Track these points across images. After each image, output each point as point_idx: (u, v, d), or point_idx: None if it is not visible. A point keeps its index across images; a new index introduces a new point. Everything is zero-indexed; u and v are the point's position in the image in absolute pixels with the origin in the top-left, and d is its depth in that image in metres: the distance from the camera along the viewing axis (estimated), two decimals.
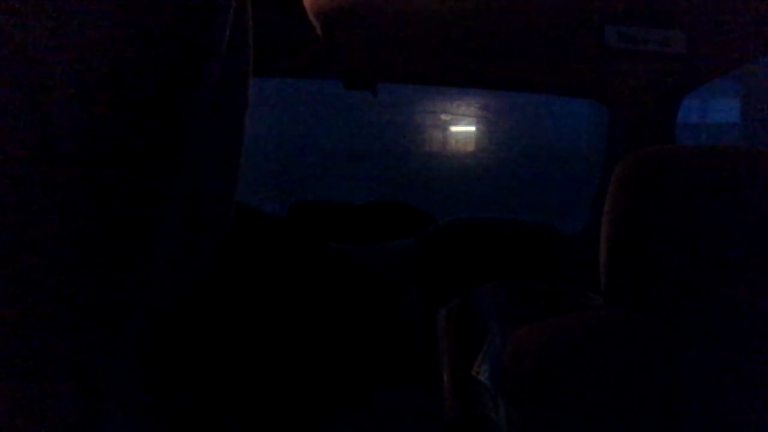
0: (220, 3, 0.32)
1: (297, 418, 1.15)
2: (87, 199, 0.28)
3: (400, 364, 1.55)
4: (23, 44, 0.26)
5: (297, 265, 1.35)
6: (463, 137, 4.64)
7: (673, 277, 0.62)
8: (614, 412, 0.61)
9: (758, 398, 0.62)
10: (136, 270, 0.31)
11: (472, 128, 4.47)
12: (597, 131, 1.82)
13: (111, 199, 0.28)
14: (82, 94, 0.27)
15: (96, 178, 0.28)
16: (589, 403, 0.61)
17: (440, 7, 1.13)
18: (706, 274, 0.62)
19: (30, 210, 0.27)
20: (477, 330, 1.06)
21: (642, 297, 0.64)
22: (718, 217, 0.62)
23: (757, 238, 0.62)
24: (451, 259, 1.64)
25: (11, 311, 0.27)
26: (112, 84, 0.28)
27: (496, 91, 2.45)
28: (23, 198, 0.27)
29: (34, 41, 0.26)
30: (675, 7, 1.12)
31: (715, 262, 0.62)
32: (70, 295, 0.28)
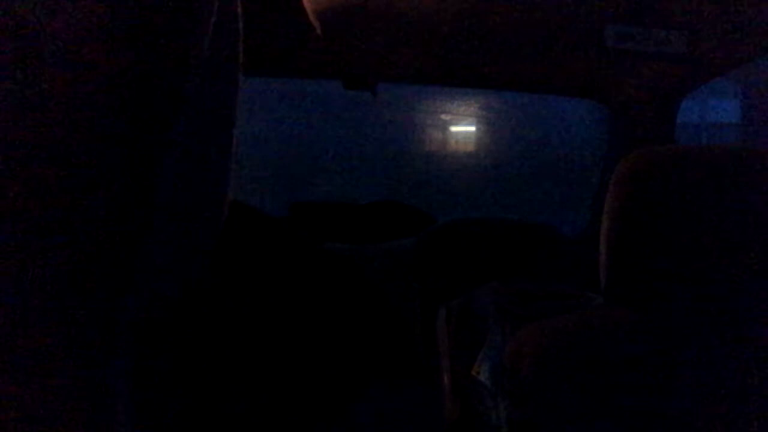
0: None
1: (295, 418, 1.15)
2: (70, 201, 0.28)
3: (400, 364, 1.55)
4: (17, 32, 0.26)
5: (297, 266, 1.35)
6: (463, 137, 4.63)
7: (673, 276, 0.62)
8: (614, 412, 0.61)
9: (758, 397, 0.62)
10: (129, 267, 0.30)
11: (472, 128, 4.47)
12: (597, 131, 1.82)
13: (95, 201, 0.28)
14: (60, 93, 0.27)
15: (79, 179, 0.28)
16: (589, 402, 0.61)
17: (440, 7, 1.13)
18: (706, 274, 0.62)
19: (12, 211, 0.27)
20: (477, 330, 1.06)
21: (642, 297, 0.64)
22: (718, 217, 0.62)
23: (757, 238, 0.62)
24: (451, 259, 1.64)
25: (5, 313, 0.27)
26: (89, 82, 0.27)
27: (496, 91, 2.45)
28: (9, 198, 0.26)
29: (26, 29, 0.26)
30: (675, 7, 1.12)
31: (715, 261, 0.62)
32: (63, 296, 0.28)
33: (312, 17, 1.13)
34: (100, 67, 0.27)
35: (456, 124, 4.49)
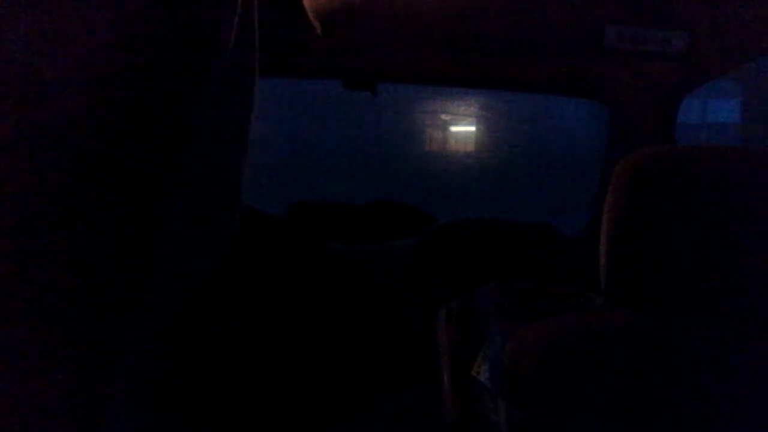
0: (227, 0, 0.32)
1: (296, 419, 1.15)
2: (92, 198, 0.28)
3: (400, 364, 1.55)
4: (28, 46, 0.26)
5: (297, 266, 1.35)
6: (463, 137, 4.64)
7: (673, 276, 0.62)
8: (614, 412, 0.61)
9: (759, 398, 0.62)
10: (143, 268, 0.31)
11: (472, 128, 4.47)
12: (597, 131, 1.82)
13: (117, 198, 0.28)
14: (87, 93, 0.27)
15: (102, 177, 0.28)
16: (589, 403, 0.61)
17: (440, 7, 1.13)
18: (706, 274, 0.62)
19: (34, 209, 0.27)
20: (477, 330, 1.06)
21: (642, 297, 0.64)
22: (718, 217, 0.62)
23: (758, 238, 0.62)
24: (451, 259, 1.64)
25: (16, 308, 0.27)
26: (116, 83, 0.28)
27: (496, 91, 2.45)
28: (26, 197, 0.27)
29: (37, 40, 0.26)
30: (675, 7, 1.12)
31: (715, 261, 0.62)
32: (77, 293, 0.28)
33: (312, 17, 1.14)
34: (123, 71, 0.27)
35: (456, 124, 4.50)
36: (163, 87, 0.29)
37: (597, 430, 0.61)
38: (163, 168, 0.30)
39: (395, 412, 1.43)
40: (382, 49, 1.39)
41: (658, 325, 0.63)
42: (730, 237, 0.61)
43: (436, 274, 1.62)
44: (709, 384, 0.61)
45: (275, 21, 1.18)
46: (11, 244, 0.26)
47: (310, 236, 1.56)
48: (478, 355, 1.01)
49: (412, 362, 1.53)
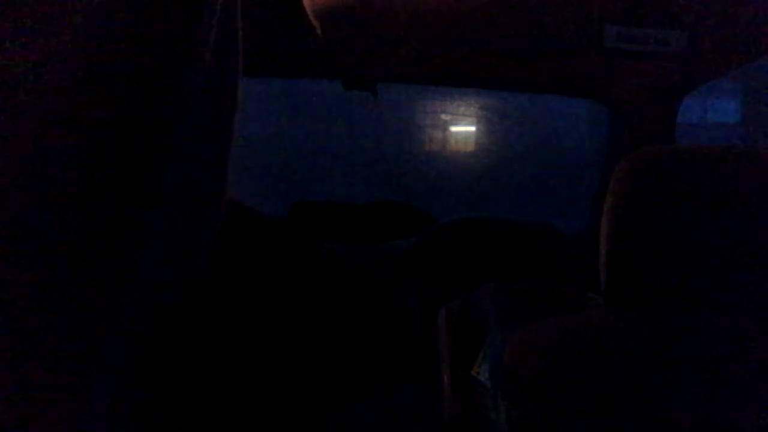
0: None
1: (295, 419, 1.15)
2: (73, 201, 0.28)
3: (400, 364, 1.55)
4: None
5: (296, 266, 1.35)
6: (463, 137, 4.63)
7: (673, 276, 0.62)
8: (614, 412, 0.61)
9: (758, 398, 0.62)
10: (126, 270, 0.31)
11: (472, 128, 4.47)
12: (597, 131, 1.82)
13: (98, 201, 0.28)
14: (64, 95, 0.27)
15: (82, 180, 0.28)
16: (589, 403, 0.61)
17: (440, 7, 1.13)
18: (706, 274, 0.62)
19: (18, 211, 0.27)
20: (477, 330, 1.06)
21: (642, 297, 0.64)
22: (718, 217, 0.62)
23: (757, 238, 0.62)
24: (451, 259, 1.64)
25: (7, 311, 0.27)
26: (92, 85, 0.27)
27: (496, 91, 2.45)
28: (9, 200, 0.26)
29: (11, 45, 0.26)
30: (675, 7, 1.12)
31: (714, 261, 0.62)
32: (62, 295, 0.28)
33: (312, 17, 1.14)
34: (101, 71, 0.27)
35: (456, 124, 4.49)
36: (140, 85, 0.29)
37: (596, 430, 0.61)
38: (143, 168, 0.30)
39: (395, 412, 1.44)
40: (382, 49, 1.39)
41: (657, 325, 0.63)
42: (730, 237, 0.62)
43: (436, 274, 1.63)
44: (709, 384, 0.61)
45: (275, 21, 1.18)
46: None
47: (306, 237, 1.56)
48: (478, 355, 1.01)
49: (411, 362, 1.53)
